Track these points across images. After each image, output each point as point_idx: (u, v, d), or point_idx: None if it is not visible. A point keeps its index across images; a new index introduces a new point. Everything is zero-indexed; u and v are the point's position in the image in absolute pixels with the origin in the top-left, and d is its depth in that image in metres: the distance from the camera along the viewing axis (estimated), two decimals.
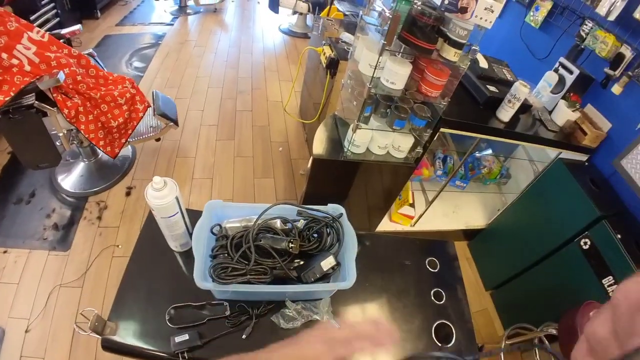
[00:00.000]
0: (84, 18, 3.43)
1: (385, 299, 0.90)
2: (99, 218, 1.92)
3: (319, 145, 1.41)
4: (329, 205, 0.82)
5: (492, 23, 0.96)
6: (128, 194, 2.04)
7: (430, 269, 0.99)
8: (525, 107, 1.51)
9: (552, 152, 1.66)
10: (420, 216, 1.92)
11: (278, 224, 0.78)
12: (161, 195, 0.70)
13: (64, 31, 1.78)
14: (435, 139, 1.42)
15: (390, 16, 1.01)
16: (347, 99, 1.49)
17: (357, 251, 0.76)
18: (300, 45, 3.92)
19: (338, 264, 0.74)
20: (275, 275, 0.73)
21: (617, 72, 1.45)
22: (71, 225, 1.88)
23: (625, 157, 1.43)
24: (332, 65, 1.75)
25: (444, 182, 1.77)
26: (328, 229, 0.79)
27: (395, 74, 1.18)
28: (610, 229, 1.32)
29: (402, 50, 1.19)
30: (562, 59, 1.63)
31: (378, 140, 1.41)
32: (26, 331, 1.49)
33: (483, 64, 1.50)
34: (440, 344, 0.85)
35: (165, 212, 0.72)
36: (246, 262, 0.71)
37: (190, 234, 0.84)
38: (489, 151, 1.96)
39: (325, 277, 0.74)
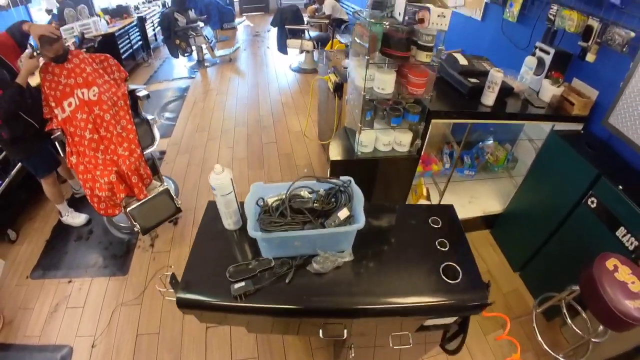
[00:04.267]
0: None
1: (396, 249, 1.17)
2: (152, 245, 2.33)
3: (335, 151, 1.77)
4: (341, 177, 1.15)
5: (447, 25, 1.31)
6: (175, 223, 2.46)
7: (433, 225, 1.27)
8: (508, 91, 1.81)
9: (547, 128, 1.90)
10: None
11: (305, 192, 1.12)
12: (220, 177, 1.06)
13: (137, 91, 2.28)
14: (430, 132, 1.75)
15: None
16: (351, 111, 1.87)
17: (363, 204, 1.07)
18: (312, 80, 4.48)
19: (351, 215, 1.05)
20: (306, 229, 1.05)
21: (590, 43, 1.68)
22: (127, 253, 2.29)
23: (612, 115, 1.64)
24: (338, 89, 2.16)
25: (452, 173, 2.05)
26: (342, 194, 1.11)
27: (383, 82, 1.55)
28: (610, 183, 1.50)
29: (386, 62, 1.57)
30: (538, 43, 1.93)
31: (382, 139, 1.75)
32: (92, 346, 1.82)
33: (463, 61, 1.85)
34: (449, 281, 1.09)
35: (224, 190, 1.08)
36: (284, 218, 1.04)
37: (242, 214, 1.19)
38: (491, 141, 2.24)
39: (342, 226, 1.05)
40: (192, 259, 1.11)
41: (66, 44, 2.33)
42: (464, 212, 2.29)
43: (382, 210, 1.32)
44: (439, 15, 1.29)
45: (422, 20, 1.29)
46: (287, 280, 1.04)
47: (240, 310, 1.01)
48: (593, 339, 1.51)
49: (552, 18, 1.85)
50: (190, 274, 1.07)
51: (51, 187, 2.30)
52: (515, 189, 2.17)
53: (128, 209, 2.09)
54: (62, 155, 2.15)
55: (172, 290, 1.02)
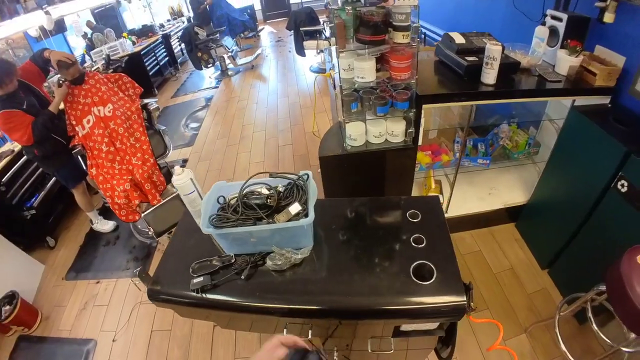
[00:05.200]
0: (144, 96, 4.54)
1: (363, 246, 1.10)
2: None
3: (325, 147, 1.74)
4: (301, 171, 1.13)
5: None
6: None
7: (410, 219, 1.18)
8: (513, 66, 1.64)
9: (568, 104, 1.68)
10: (449, 201, 2.04)
11: (263, 189, 1.11)
12: (180, 178, 1.09)
13: (149, 105, 2.46)
14: (440, 119, 1.63)
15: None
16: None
17: (315, 199, 1.03)
18: (317, 79, 4.49)
19: (304, 210, 1.02)
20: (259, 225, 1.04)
21: (609, 1, 1.45)
22: (148, 256, 2.48)
23: (639, 81, 1.42)
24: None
25: (459, 163, 1.90)
26: (297, 189, 1.09)
27: (362, 70, 1.49)
28: None
29: (367, 49, 1.51)
30: (548, 11, 1.72)
31: (372, 131, 1.68)
32: (113, 340, 2.02)
33: (459, 40, 1.70)
34: (419, 282, 1.00)
35: (185, 190, 1.11)
36: (237, 215, 1.04)
37: None
38: (506, 125, 2.04)
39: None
40: (166, 255, 1.17)
41: (95, 66, 2.57)
42: (484, 205, 2.11)
43: (354, 204, 1.26)
44: None
45: None
46: (242, 276, 1.04)
47: (197, 304, 1.04)
48: (624, 348, 1.29)
49: None
50: (162, 269, 1.13)
51: (81, 196, 2.55)
52: (539, 177, 1.96)
53: (143, 214, 2.25)
54: (85, 167, 2.38)
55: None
